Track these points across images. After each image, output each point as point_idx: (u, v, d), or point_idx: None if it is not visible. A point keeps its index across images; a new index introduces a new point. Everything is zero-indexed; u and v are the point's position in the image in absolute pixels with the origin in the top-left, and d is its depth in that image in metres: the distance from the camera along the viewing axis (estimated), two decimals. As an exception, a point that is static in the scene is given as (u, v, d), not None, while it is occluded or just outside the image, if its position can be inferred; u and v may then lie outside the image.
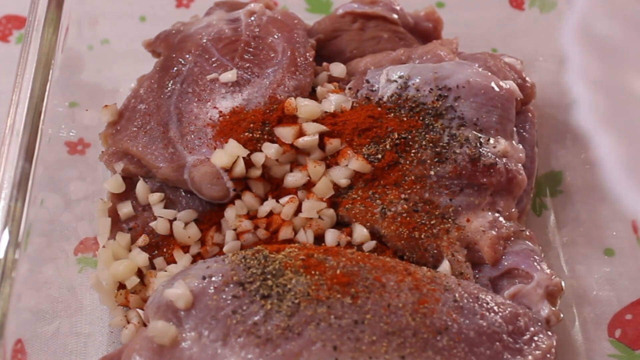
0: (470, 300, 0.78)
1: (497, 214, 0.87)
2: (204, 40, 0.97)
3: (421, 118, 0.89)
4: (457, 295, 0.78)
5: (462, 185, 0.86)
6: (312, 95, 0.95)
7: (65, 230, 0.93)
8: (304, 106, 0.89)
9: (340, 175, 0.86)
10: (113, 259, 0.86)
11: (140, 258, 0.85)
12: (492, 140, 0.89)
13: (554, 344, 0.79)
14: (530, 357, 0.77)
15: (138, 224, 0.89)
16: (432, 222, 0.84)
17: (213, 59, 0.95)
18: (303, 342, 0.72)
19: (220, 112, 0.90)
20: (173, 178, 0.88)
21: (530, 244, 0.87)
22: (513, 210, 0.89)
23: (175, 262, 0.85)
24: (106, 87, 1.06)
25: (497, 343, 0.76)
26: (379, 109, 0.90)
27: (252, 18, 0.99)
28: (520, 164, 0.90)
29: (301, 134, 0.88)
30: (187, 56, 0.96)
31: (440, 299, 0.77)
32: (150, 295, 0.80)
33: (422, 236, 0.84)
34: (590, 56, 0.53)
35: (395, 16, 1.03)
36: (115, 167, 0.90)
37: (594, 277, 0.93)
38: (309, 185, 0.87)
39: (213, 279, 0.76)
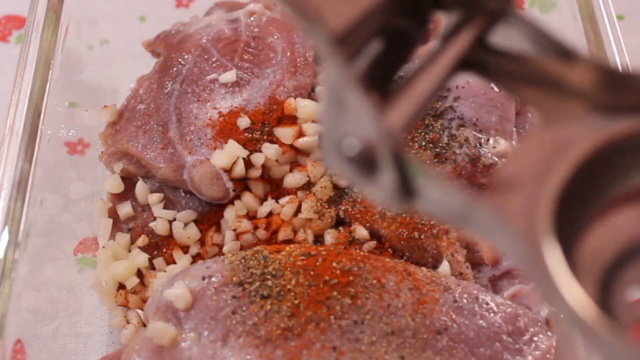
0: (470, 300, 0.78)
1: (496, 214, 0.87)
2: (204, 41, 0.97)
3: (421, 118, 0.89)
4: (456, 295, 0.78)
5: (462, 186, 0.86)
6: (312, 95, 0.95)
7: (65, 231, 0.93)
8: (304, 107, 0.89)
9: (340, 175, 0.87)
10: (113, 259, 0.86)
11: (140, 258, 0.85)
12: (491, 141, 0.89)
13: (554, 344, 0.79)
14: (530, 357, 0.77)
15: (137, 225, 0.89)
16: (431, 223, 0.84)
17: (213, 59, 0.95)
18: (303, 342, 0.72)
19: (220, 112, 0.90)
20: (172, 178, 0.88)
21: (530, 244, 0.87)
22: (513, 210, 0.89)
23: (174, 263, 0.85)
24: (106, 87, 1.06)
25: (497, 343, 0.76)
26: (379, 109, 0.90)
27: (252, 18, 0.99)
28: (520, 164, 0.90)
29: (301, 134, 0.88)
30: (187, 56, 0.96)
31: (440, 300, 0.77)
32: (149, 296, 0.80)
33: (422, 236, 0.84)
34: None
35: (395, 16, 1.03)
36: (114, 168, 0.90)
37: (593, 277, 0.92)
38: (308, 186, 0.87)
39: (213, 279, 0.76)
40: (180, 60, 0.96)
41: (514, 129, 0.93)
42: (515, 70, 0.46)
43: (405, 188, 0.43)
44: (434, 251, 0.84)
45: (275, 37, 0.97)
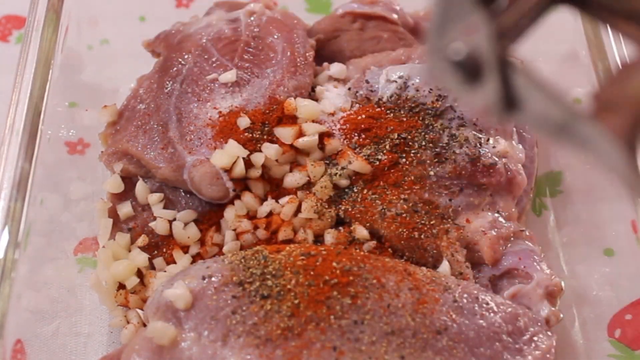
0: (470, 300, 0.78)
1: (496, 214, 0.87)
2: (204, 40, 0.97)
3: (421, 118, 0.89)
4: (456, 295, 0.78)
5: (462, 186, 0.86)
6: (312, 95, 0.95)
7: (65, 230, 0.93)
8: (304, 106, 0.89)
9: (340, 175, 0.86)
10: (113, 259, 0.86)
11: (140, 258, 0.85)
12: (491, 141, 0.89)
13: (554, 344, 0.79)
14: (530, 357, 0.77)
15: (137, 224, 0.89)
16: (431, 223, 0.84)
17: (213, 59, 0.95)
18: (303, 342, 0.72)
19: (220, 112, 0.90)
20: (172, 178, 0.88)
21: (530, 244, 0.87)
22: (513, 210, 0.89)
23: (174, 263, 0.85)
24: (106, 87, 1.06)
25: (497, 343, 0.76)
26: (379, 109, 0.90)
27: (252, 18, 0.99)
28: (520, 164, 0.90)
29: (301, 134, 0.88)
30: (187, 56, 0.96)
31: (440, 299, 0.77)
32: (149, 296, 0.80)
33: (422, 236, 0.84)
34: None
35: (395, 16, 1.03)
36: (114, 168, 0.90)
37: (594, 277, 0.93)
38: (308, 186, 0.87)
39: (213, 279, 0.76)
40: (180, 60, 0.96)
41: (514, 129, 0.93)
42: (613, 6, 0.48)
43: (509, 97, 0.44)
44: (434, 251, 0.84)
45: (275, 36, 0.98)
